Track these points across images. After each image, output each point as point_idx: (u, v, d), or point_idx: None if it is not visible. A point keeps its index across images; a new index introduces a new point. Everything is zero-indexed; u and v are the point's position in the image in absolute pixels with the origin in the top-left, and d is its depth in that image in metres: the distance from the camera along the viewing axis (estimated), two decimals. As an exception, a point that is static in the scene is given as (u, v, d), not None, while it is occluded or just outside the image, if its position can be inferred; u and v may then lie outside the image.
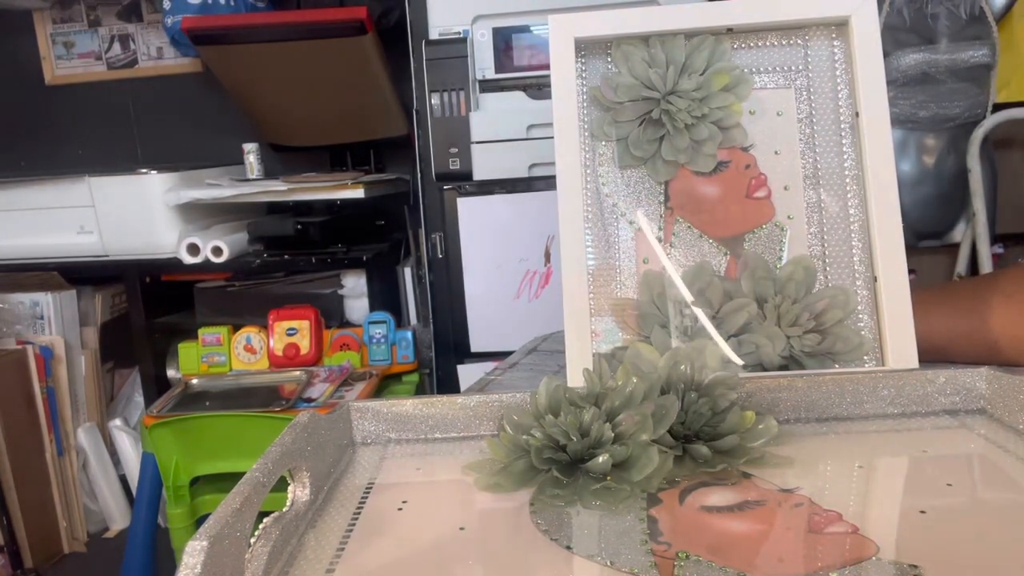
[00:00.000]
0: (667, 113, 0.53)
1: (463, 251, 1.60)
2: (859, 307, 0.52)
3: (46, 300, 1.94)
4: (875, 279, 0.52)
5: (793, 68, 0.54)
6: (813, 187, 0.53)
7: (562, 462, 0.42)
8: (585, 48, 0.54)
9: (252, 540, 0.34)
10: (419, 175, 1.63)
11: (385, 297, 1.89)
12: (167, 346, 1.92)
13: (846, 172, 0.53)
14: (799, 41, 0.54)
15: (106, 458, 2.02)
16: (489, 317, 1.62)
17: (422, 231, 1.66)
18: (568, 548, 0.35)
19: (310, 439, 0.42)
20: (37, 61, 2.26)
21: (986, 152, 1.64)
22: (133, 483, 1.89)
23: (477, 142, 1.54)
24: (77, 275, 1.93)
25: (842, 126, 0.53)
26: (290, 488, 0.40)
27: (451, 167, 1.55)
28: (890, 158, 0.51)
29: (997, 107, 1.62)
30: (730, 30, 0.54)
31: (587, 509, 0.39)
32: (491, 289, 1.61)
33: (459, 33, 1.55)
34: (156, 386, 1.91)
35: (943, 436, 0.46)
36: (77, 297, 1.99)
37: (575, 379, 0.51)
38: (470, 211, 1.59)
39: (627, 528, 0.37)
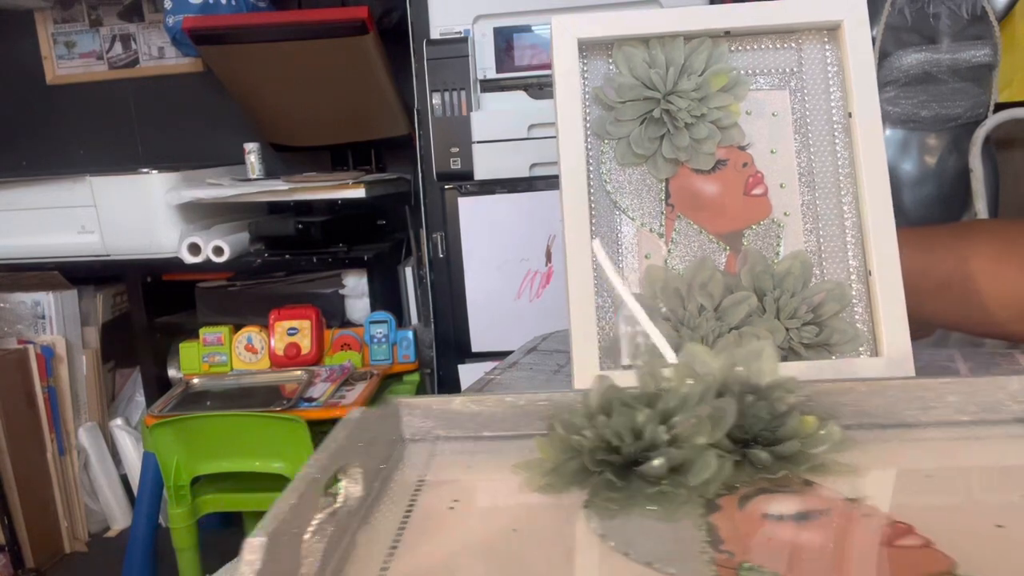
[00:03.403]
0: (668, 112, 0.53)
1: (464, 251, 1.61)
2: (854, 300, 0.53)
3: (47, 300, 1.94)
4: (869, 273, 0.52)
5: (787, 70, 0.55)
6: (808, 185, 0.54)
7: (616, 464, 0.40)
8: (586, 49, 0.55)
9: (306, 536, 0.33)
10: (420, 175, 1.63)
11: (386, 297, 1.89)
12: (168, 346, 1.92)
13: (839, 170, 0.54)
14: (793, 45, 0.55)
15: (107, 458, 2.03)
16: (490, 317, 1.62)
17: (423, 231, 1.67)
18: (625, 554, 0.34)
19: (362, 435, 0.41)
20: (38, 61, 2.27)
21: (988, 152, 1.64)
22: (134, 483, 1.89)
23: (478, 142, 1.54)
24: (78, 275, 1.93)
25: (835, 126, 0.54)
26: (342, 484, 0.39)
27: (452, 167, 1.56)
28: (882, 157, 0.52)
29: (999, 107, 1.62)
30: (727, 33, 0.54)
31: (643, 514, 0.37)
32: (492, 289, 1.61)
33: (460, 33, 1.56)
34: (157, 386, 1.92)
35: (1016, 446, 0.44)
36: (78, 297, 2.00)
37: (581, 379, 0.51)
38: (471, 211, 1.59)
39: (686, 535, 0.35)
